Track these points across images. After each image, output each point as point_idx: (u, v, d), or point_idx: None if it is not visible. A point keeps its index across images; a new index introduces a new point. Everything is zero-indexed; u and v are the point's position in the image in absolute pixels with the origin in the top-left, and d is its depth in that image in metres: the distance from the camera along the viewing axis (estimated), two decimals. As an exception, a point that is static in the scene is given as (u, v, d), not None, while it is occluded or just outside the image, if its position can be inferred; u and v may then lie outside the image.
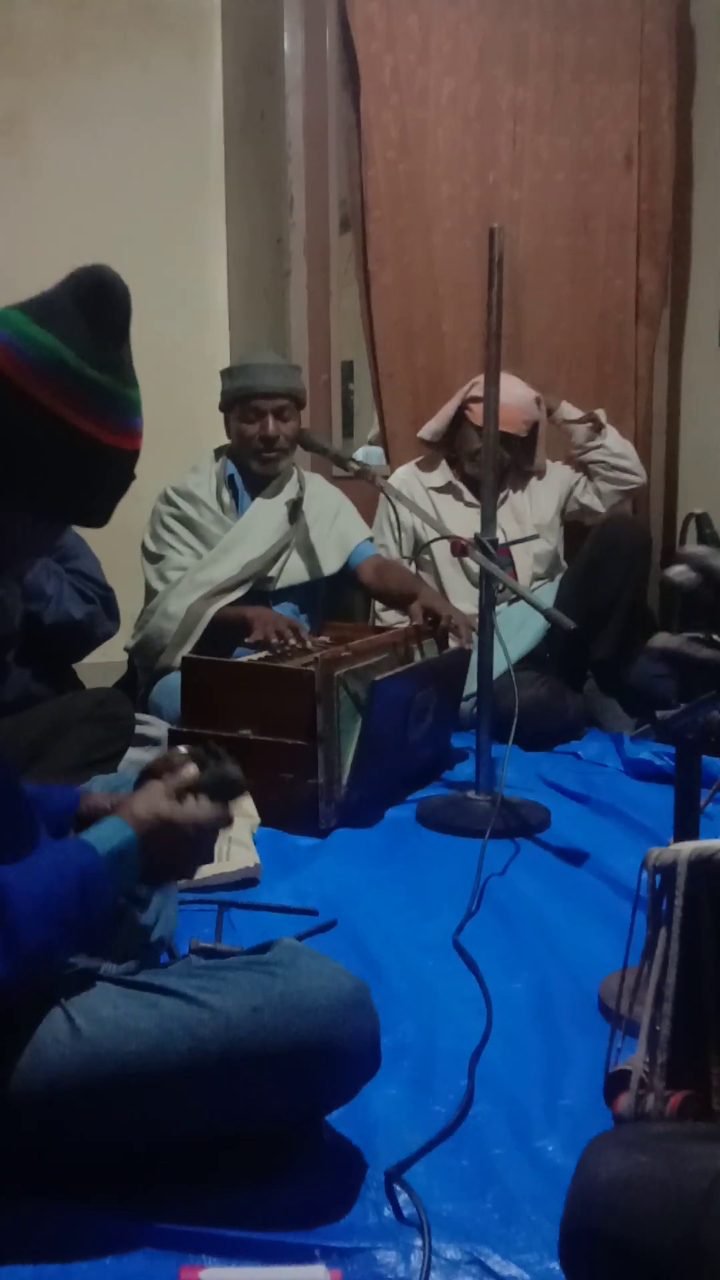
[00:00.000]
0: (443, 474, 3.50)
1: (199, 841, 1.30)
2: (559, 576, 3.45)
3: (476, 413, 3.35)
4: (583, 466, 3.54)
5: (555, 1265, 1.14)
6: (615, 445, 3.50)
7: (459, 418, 3.43)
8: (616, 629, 3.28)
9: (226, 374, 3.22)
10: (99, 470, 1.20)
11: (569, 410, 3.52)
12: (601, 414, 3.51)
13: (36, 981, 1.20)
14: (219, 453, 3.31)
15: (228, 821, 1.33)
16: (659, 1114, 1.25)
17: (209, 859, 1.35)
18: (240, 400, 3.15)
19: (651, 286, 3.88)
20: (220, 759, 1.34)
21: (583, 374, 3.87)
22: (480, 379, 3.37)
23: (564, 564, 3.54)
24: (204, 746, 1.36)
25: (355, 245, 3.65)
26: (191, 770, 1.32)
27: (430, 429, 3.48)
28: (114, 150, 3.81)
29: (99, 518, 1.24)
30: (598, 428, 3.49)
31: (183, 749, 1.37)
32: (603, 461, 3.49)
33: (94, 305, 1.18)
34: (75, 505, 1.22)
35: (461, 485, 3.47)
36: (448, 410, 3.45)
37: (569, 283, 3.83)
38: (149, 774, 1.37)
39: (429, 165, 3.64)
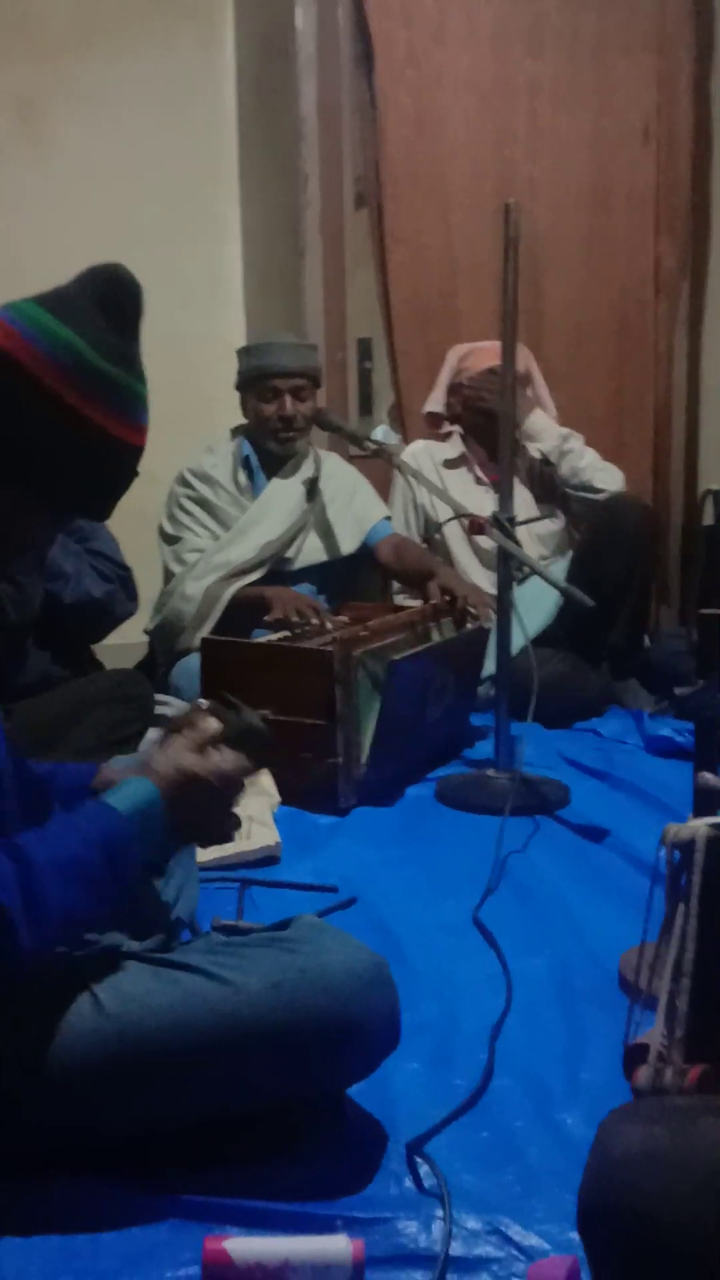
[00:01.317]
0: (455, 446, 3.47)
1: (225, 794, 1.28)
2: (569, 554, 3.42)
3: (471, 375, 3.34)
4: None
5: (575, 1236, 1.14)
6: (567, 475, 3.36)
7: (456, 390, 3.41)
8: (626, 616, 3.25)
9: (244, 353, 3.21)
10: (106, 463, 1.21)
11: (531, 451, 3.38)
12: (555, 452, 3.34)
13: (64, 948, 1.20)
14: (235, 432, 3.30)
15: (253, 770, 1.30)
16: (677, 1088, 1.26)
17: (234, 822, 1.32)
18: (257, 380, 3.14)
19: (670, 261, 3.85)
20: (240, 709, 1.32)
21: (602, 350, 3.85)
22: (460, 348, 3.39)
23: (575, 535, 3.49)
24: (223, 699, 1.34)
25: (371, 224, 3.64)
26: (212, 724, 1.29)
27: (434, 400, 3.46)
28: (129, 135, 3.79)
29: (102, 511, 1.26)
30: (545, 464, 3.38)
31: (202, 703, 1.36)
32: (562, 492, 3.41)
33: (109, 300, 1.20)
34: (80, 497, 1.23)
35: (473, 459, 3.45)
36: (443, 379, 3.43)
37: (588, 259, 3.81)
38: (171, 731, 1.34)
39: (446, 143, 3.62)
